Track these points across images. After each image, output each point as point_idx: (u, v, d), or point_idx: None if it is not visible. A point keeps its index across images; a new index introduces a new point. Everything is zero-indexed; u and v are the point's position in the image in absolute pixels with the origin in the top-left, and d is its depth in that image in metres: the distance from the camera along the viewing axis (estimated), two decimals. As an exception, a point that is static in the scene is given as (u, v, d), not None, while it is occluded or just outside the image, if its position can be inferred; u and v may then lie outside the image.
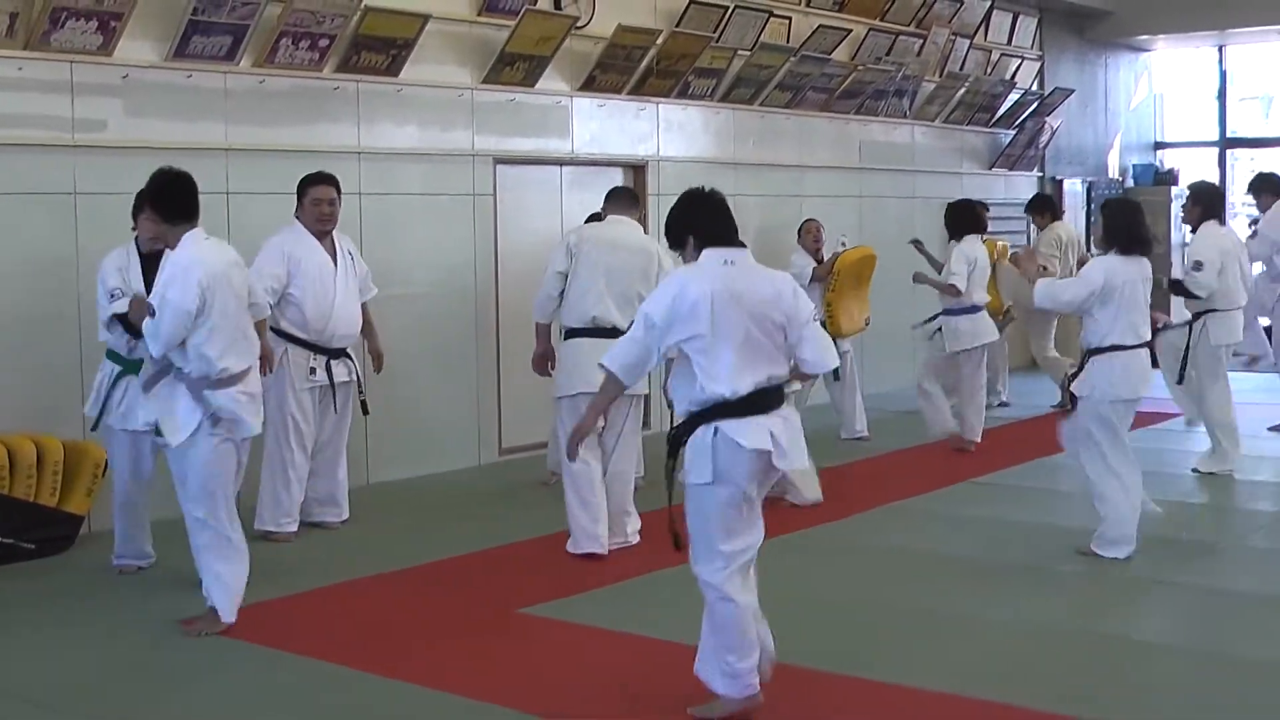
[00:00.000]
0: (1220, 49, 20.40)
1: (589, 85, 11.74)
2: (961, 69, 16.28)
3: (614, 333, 7.67)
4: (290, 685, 6.12)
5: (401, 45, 10.06)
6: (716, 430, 5.39)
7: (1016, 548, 8.33)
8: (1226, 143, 20.60)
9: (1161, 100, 21.39)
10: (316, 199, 8.62)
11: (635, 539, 8.31)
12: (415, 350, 10.41)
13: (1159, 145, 21.25)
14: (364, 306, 8.94)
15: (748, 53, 12.96)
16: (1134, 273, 7.95)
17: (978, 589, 7.55)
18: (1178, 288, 10.41)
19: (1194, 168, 20.21)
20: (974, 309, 11.53)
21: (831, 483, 10.19)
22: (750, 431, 5.39)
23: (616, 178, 12.19)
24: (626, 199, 8.67)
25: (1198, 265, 10.18)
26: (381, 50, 10.00)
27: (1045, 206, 14.43)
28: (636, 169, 12.44)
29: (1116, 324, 7.88)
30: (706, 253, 5.59)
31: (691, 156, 12.86)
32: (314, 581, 7.65)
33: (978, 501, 9.76)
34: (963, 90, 16.27)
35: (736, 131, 13.43)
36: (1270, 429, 12.24)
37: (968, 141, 17.01)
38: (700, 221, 5.66)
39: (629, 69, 11.90)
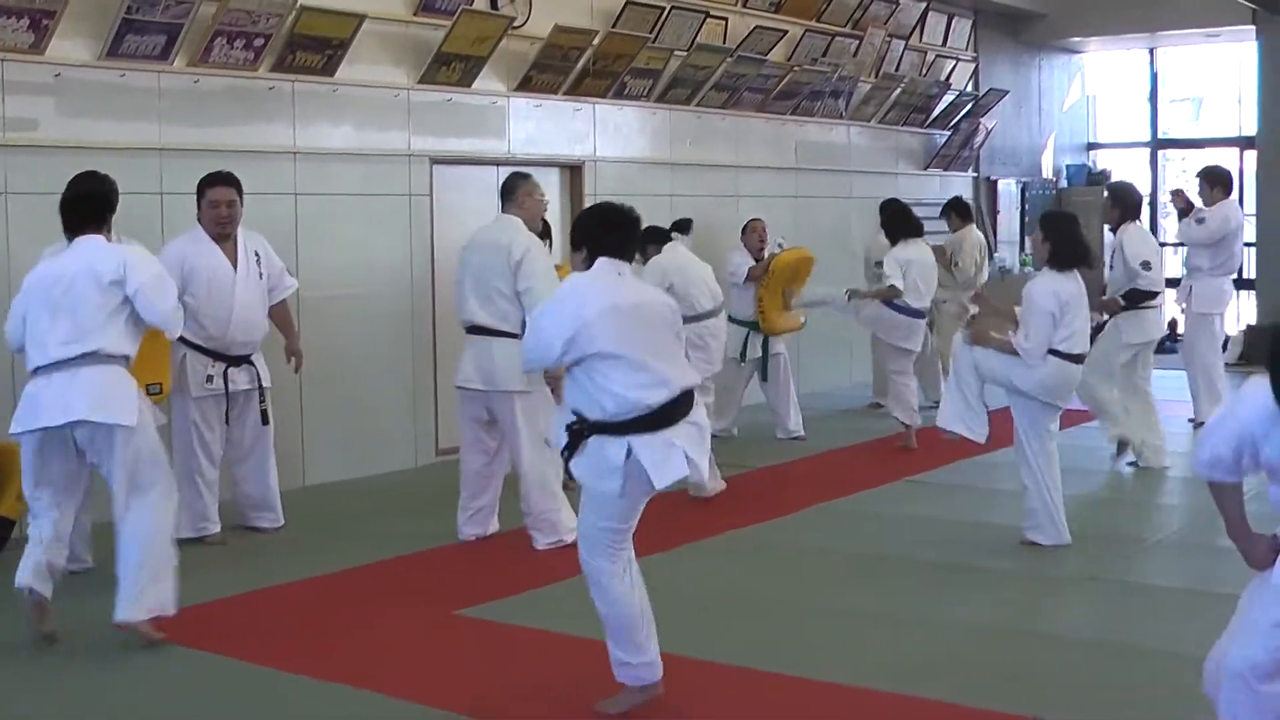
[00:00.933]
0: (1151, 51, 20.61)
1: (525, 85, 11.73)
2: (897, 70, 16.37)
3: (481, 330, 8.23)
4: (224, 688, 6.09)
5: (337, 45, 10.04)
6: (629, 452, 5.38)
7: (950, 546, 8.39)
8: (1158, 144, 20.81)
9: (1094, 102, 21.58)
10: (214, 201, 8.41)
11: (569, 538, 8.28)
12: (351, 351, 10.39)
13: (1092, 146, 21.44)
14: (283, 304, 8.82)
15: (684, 53, 12.99)
16: (1074, 289, 8.04)
17: (910, 587, 7.60)
18: (1133, 295, 10.44)
19: (1126, 168, 20.38)
20: (915, 313, 11.60)
21: (767, 483, 10.26)
22: (666, 464, 5.40)
23: (553, 178, 12.21)
24: (503, 194, 8.65)
25: (1146, 265, 10.32)
26: (317, 50, 9.97)
27: (962, 211, 14.32)
28: (573, 169, 12.45)
29: (1058, 334, 7.98)
30: (601, 261, 5.61)
31: (628, 157, 12.88)
32: (248, 584, 7.62)
33: (913, 500, 9.82)
34: (898, 91, 16.36)
35: (673, 132, 13.46)
36: (1191, 420, 12.38)
37: (903, 142, 17.11)
38: (603, 237, 5.68)
39: (565, 69, 11.90)
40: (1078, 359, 8.10)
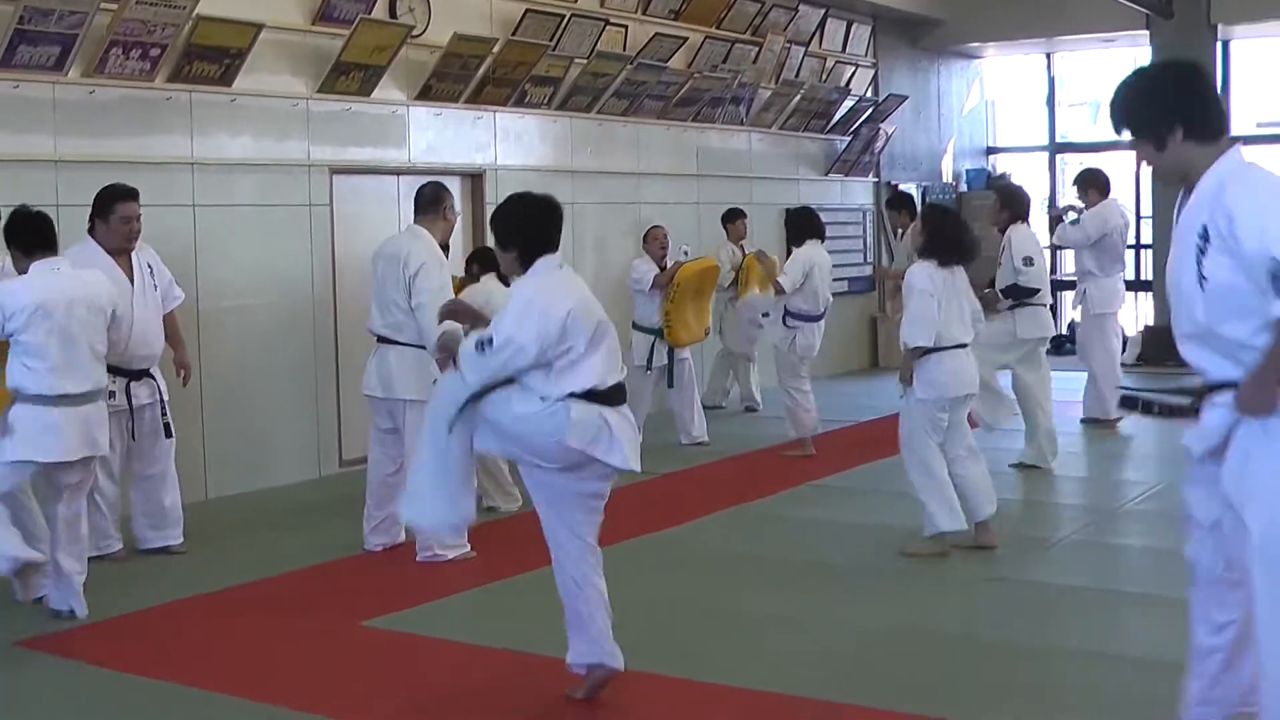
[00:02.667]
0: (1048, 56, 20.83)
1: (425, 94, 11.71)
2: (797, 76, 16.47)
3: (382, 339, 8.37)
4: (128, 706, 6.04)
5: (234, 55, 9.96)
6: (605, 421, 5.48)
7: (855, 549, 8.44)
8: (1056, 147, 21.02)
9: (993, 106, 21.79)
10: (126, 216, 8.26)
11: (446, 553, 8.25)
12: (252, 363, 10.32)
13: (991, 150, 21.64)
14: (171, 315, 8.71)
15: (584, 61, 13.00)
16: (951, 283, 8.14)
17: (816, 590, 7.65)
18: (1012, 290, 10.59)
19: (1025, 172, 20.59)
20: (813, 317, 11.66)
21: (671, 488, 10.29)
22: (620, 449, 5.51)
23: (454, 187, 12.17)
24: (423, 204, 8.64)
25: (1028, 260, 10.46)
26: (214, 60, 9.89)
27: (904, 205, 14.26)
28: (474, 178, 12.44)
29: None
30: (541, 260, 5.60)
31: (529, 165, 12.88)
32: (151, 600, 7.54)
33: (817, 504, 9.88)
34: (798, 97, 16.45)
35: (574, 139, 13.47)
36: (1083, 421, 12.53)
37: (804, 148, 17.21)
38: (533, 234, 5.66)
39: (465, 78, 11.88)
40: (959, 346, 8.18)
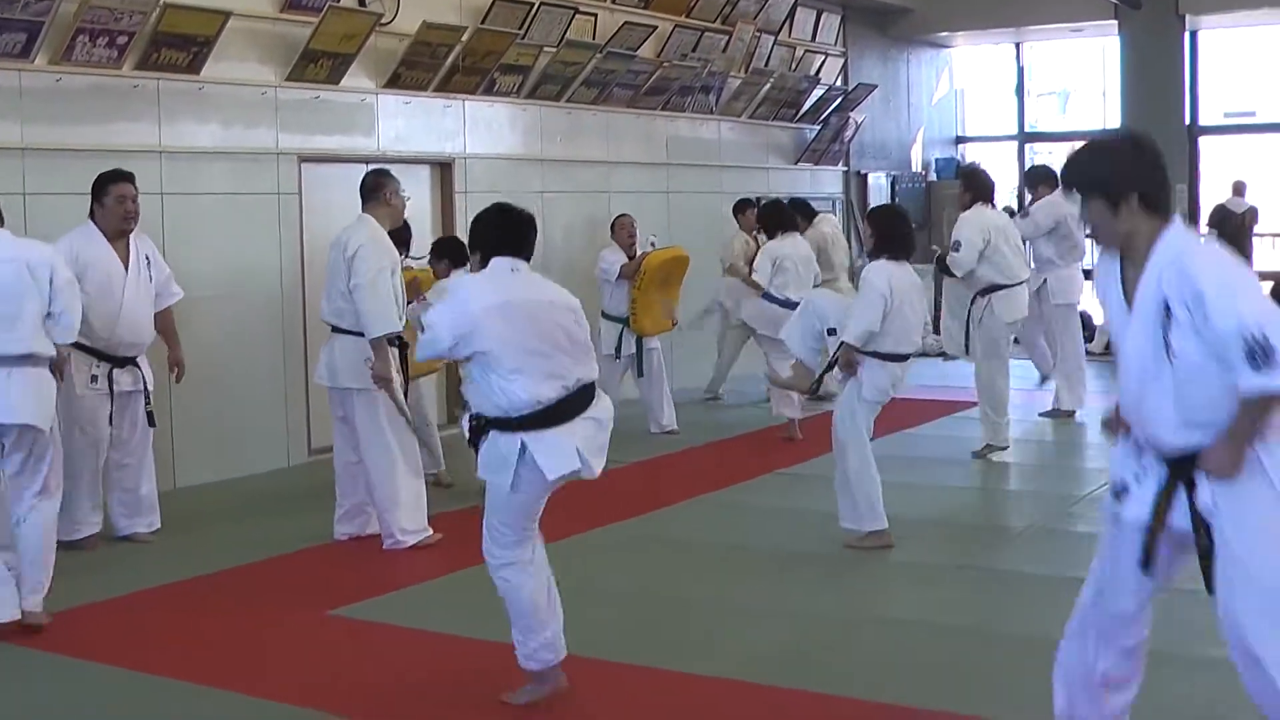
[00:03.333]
0: (1018, 46, 20.92)
1: (394, 82, 11.70)
2: (766, 65, 16.50)
3: (331, 327, 8.42)
4: (95, 695, 6.04)
5: (202, 43, 9.94)
6: (524, 448, 5.43)
7: (821, 537, 8.46)
8: (1025, 137, 21.12)
9: (962, 96, 21.87)
10: (121, 196, 8.30)
11: (406, 540, 8.32)
12: (221, 351, 10.30)
13: (960, 140, 21.72)
14: (167, 311, 8.75)
15: (554, 49, 13.00)
16: (906, 279, 8.19)
17: (782, 578, 7.69)
18: (940, 263, 10.85)
19: (994, 161, 20.65)
20: (789, 303, 11.69)
21: (640, 477, 10.32)
22: (557, 455, 5.45)
23: (423, 176, 12.21)
24: (366, 192, 8.61)
25: (956, 245, 10.63)
26: (182, 47, 9.87)
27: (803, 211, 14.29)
28: (443, 166, 12.43)
29: (888, 331, 8.07)
30: (494, 261, 5.65)
31: (498, 153, 12.87)
32: (120, 588, 7.54)
33: (784, 492, 9.92)
34: (768, 86, 16.48)
35: (543, 128, 13.47)
36: (1042, 415, 12.59)
37: (773, 137, 17.24)
38: (496, 237, 5.71)
39: (435, 66, 11.87)
40: (901, 359, 8.21)
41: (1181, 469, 4.37)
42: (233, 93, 10.49)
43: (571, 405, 5.52)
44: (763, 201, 13.17)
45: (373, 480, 8.35)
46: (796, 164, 17.61)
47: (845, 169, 18.77)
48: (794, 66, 17.26)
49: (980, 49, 21.60)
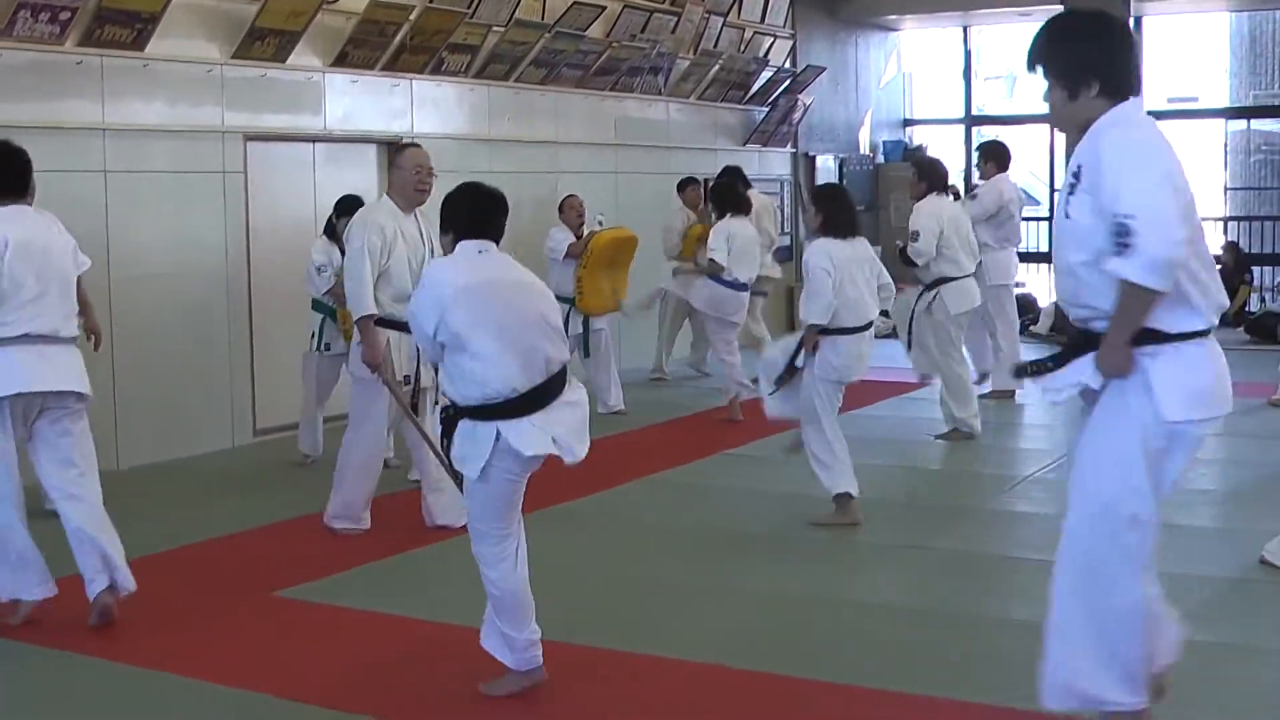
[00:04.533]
0: (965, 29, 20.95)
1: (342, 61, 11.62)
2: (715, 46, 16.48)
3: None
4: (36, 678, 5.99)
5: (147, 19, 9.84)
6: (498, 435, 5.36)
7: (771, 517, 8.48)
8: (972, 120, 21.17)
9: (910, 79, 21.90)
10: None
11: (342, 525, 8.23)
12: (165, 331, 10.22)
13: (908, 122, 21.75)
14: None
15: (502, 29, 12.94)
16: (851, 255, 8.25)
17: (732, 559, 7.69)
18: (903, 256, 10.87)
19: (941, 144, 20.72)
20: (737, 285, 11.70)
21: (587, 457, 10.27)
22: (531, 438, 5.39)
23: (370, 155, 12.15)
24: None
25: (915, 235, 10.68)
26: (126, 24, 9.77)
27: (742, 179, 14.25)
28: (391, 145, 12.33)
29: (838, 305, 8.15)
30: (462, 244, 5.60)
31: (446, 133, 12.81)
32: (57, 571, 7.44)
33: (732, 473, 9.93)
34: (717, 67, 16.46)
35: (491, 108, 13.41)
36: (982, 397, 12.66)
37: (722, 118, 17.23)
38: (465, 219, 5.67)
39: (382, 45, 11.80)
40: (863, 329, 8.30)
41: (1082, 338, 4.44)
42: (178, 70, 10.39)
43: (549, 390, 5.47)
44: (713, 178, 13.13)
45: (341, 457, 8.23)
46: (745, 145, 17.60)
47: (793, 151, 18.77)
48: (743, 48, 17.25)
49: (928, 32, 21.64)
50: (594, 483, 9.38)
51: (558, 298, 11.60)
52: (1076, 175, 4.31)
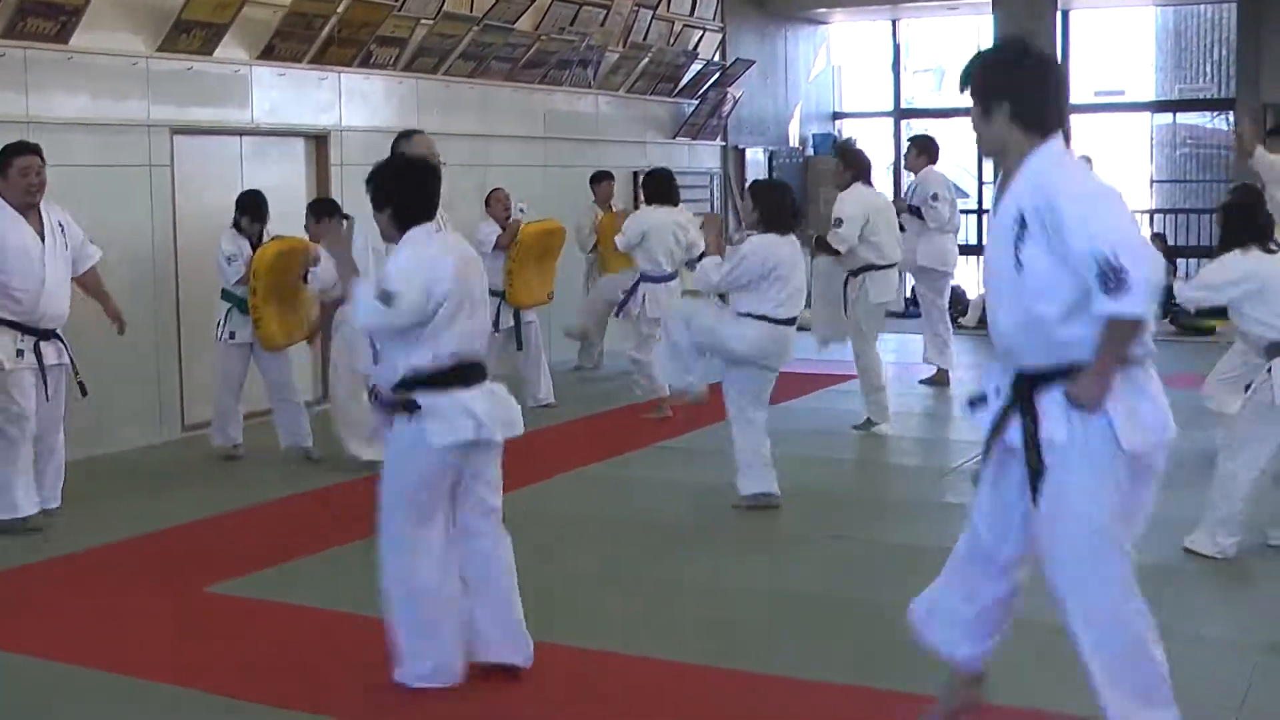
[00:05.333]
0: (894, 23, 21.07)
1: (269, 54, 11.55)
2: (645, 40, 16.48)
3: None
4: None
5: (71, 11, 9.75)
6: (420, 417, 5.38)
7: (700, 509, 8.54)
8: (901, 113, 21.27)
9: (839, 72, 21.97)
10: (24, 169, 8.05)
11: None
12: (91, 327, 10.10)
13: (837, 115, 21.82)
14: (91, 272, 8.61)
15: (430, 21, 12.91)
16: (787, 251, 8.33)
17: (660, 550, 7.72)
18: (820, 243, 10.93)
19: (871, 137, 20.79)
20: (665, 276, 11.71)
21: (518, 450, 10.26)
22: (451, 423, 5.40)
23: (298, 148, 12.09)
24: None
25: (838, 222, 10.77)
26: (50, 16, 9.68)
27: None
28: (319, 139, 12.31)
29: (770, 297, 8.25)
30: (414, 231, 5.51)
31: (375, 126, 12.74)
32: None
33: (662, 465, 9.96)
34: (646, 60, 16.47)
35: (420, 101, 13.36)
36: (921, 381, 12.79)
37: (651, 111, 17.23)
38: (409, 199, 5.60)
39: (310, 37, 11.74)
40: (789, 322, 8.38)
41: (1027, 387, 4.39)
42: (103, 63, 10.31)
43: (477, 371, 5.54)
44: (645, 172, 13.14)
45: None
46: (674, 138, 17.62)
47: (723, 144, 18.80)
48: (672, 41, 17.27)
49: (857, 25, 21.72)
50: (522, 477, 9.35)
51: (489, 291, 11.79)
52: (1021, 222, 4.28)
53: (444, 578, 5.56)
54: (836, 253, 10.77)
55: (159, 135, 10.74)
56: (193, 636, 6.40)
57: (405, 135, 8.26)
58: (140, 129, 10.61)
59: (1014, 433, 4.43)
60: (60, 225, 8.35)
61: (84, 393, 8.57)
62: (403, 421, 5.44)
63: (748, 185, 9.15)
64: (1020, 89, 4.42)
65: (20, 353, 8.08)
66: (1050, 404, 4.34)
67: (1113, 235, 4.13)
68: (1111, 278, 4.09)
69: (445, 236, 5.71)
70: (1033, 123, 4.39)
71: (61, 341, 8.37)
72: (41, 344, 8.20)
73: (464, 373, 5.46)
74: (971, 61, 4.60)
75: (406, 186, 5.61)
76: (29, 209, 8.16)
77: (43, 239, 8.19)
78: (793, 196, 8.72)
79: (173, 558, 7.71)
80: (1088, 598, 4.37)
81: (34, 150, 8.22)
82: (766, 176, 18.19)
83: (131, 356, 10.47)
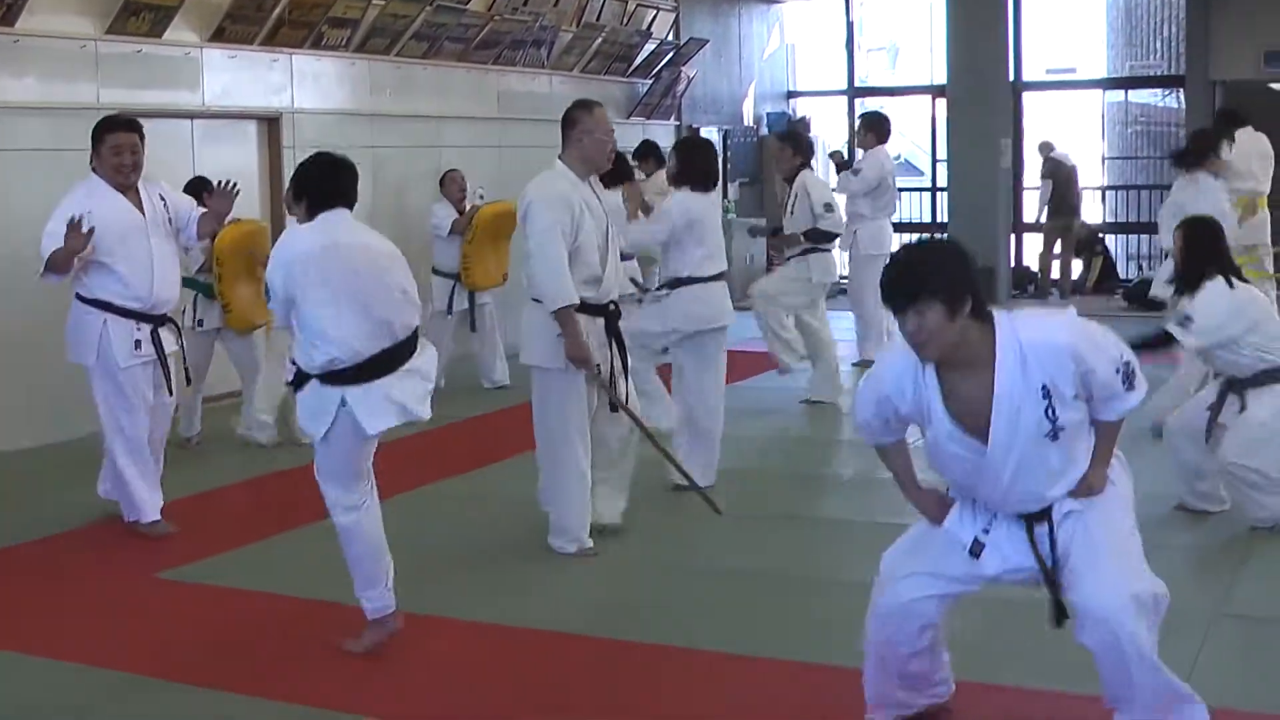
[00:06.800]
0: (847, 2, 21.04)
1: (219, 36, 11.49)
2: (598, 19, 16.45)
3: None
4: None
5: (18, -7, 9.69)
6: (344, 401, 5.50)
7: (649, 489, 8.46)
8: (855, 92, 21.27)
9: (793, 51, 21.97)
10: (115, 147, 7.56)
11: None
12: (45, 315, 10.05)
13: (791, 94, 21.82)
14: (204, 219, 8.05)
15: (382, 2, 12.85)
16: (705, 206, 8.44)
17: (611, 528, 7.67)
18: (813, 234, 10.95)
19: (825, 116, 20.85)
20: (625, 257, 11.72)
21: (473, 432, 10.30)
22: (377, 411, 5.53)
23: (250, 131, 12.05)
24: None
25: (828, 207, 10.90)
26: (-4, -1, 9.62)
27: (651, 154, 14.32)
28: (270, 121, 12.25)
29: (693, 256, 8.36)
30: (322, 216, 5.65)
31: (327, 108, 12.71)
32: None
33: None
34: (600, 40, 16.44)
35: (373, 82, 13.31)
36: (855, 364, 12.83)
37: (606, 91, 17.18)
38: (318, 187, 5.73)
39: (261, 19, 11.68)
40: (717, 278, 8.45)
41: (1036, 515, 4.53)
42: (50, 45, 10.23)
43: (395, 356, 5.58)
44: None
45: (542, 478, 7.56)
46: (629, 118, 17.59)
47: (677, 123, 18.78)
48: (625, 21, 17.24)
49: (811, 4, 21.72)
50: (477, 458, 9.43)
51: (441, 273, 11.82)
52: (1045, 392, 4.34)
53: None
54: (833, 236, 11.08)
55: (109, 119, 10.65)
56: (143, 622, 6.38)
57: (588, 106, 7.48)
58: (89, 113, 10.45)
59: (1020, 558, 4.58)
60: (163, 198, 7.82)
61: (189, 380, 8.42)
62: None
63: (675, 145, 9.29)
64: (973, 279, 4.37)
65: (139, 344, 7.55)
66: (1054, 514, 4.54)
67: (1118, 347, 4.47)
68: (1130, 376, 4.44)
69: (335, 225, 5.69)
70: (986, 316, 4.40)
71: (176, 326, 7.95)
72: (160, 331, 7.67)
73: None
74: (916, 266, 4.37)
75: (317, 179, 5.78)
76: (125, 189, 7.63)
77: (144, 214, 7.65)
78: (715, 156, 8.89)
79: (125, 544, 7.67)
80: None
81: (128, 127, 7.73)
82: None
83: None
